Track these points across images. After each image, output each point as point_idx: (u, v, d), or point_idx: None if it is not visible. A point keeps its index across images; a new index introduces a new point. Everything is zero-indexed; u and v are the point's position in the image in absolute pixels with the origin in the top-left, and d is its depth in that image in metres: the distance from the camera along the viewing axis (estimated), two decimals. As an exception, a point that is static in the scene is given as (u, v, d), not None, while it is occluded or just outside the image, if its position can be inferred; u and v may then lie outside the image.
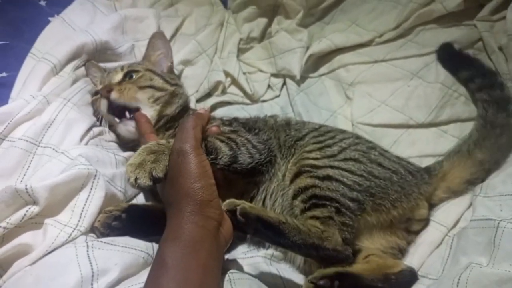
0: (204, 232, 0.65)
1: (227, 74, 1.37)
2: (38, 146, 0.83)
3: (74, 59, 1.04)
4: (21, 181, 0.78)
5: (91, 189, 0.78)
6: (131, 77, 1.03)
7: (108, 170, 0.85)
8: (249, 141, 0.88)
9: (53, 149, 0.84)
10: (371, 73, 1.31)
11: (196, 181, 0.67)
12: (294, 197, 0.85)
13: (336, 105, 1.29)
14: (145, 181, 0.69)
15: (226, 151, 0.81)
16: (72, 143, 0.87)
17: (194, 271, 0.61)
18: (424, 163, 1.04)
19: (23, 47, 1.03)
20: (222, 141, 0.83)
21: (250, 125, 1.00)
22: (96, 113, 1.01)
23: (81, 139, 0.90)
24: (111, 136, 1.01)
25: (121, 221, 0.80)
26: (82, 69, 1.07)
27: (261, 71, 1.42)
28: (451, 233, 0.90)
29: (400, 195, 0.85)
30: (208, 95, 1.37)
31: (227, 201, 0.73)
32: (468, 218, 0.88)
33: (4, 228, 0.68)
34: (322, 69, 1.39)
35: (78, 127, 0.91)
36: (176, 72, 1.24)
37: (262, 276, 0.80)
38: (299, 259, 0.88)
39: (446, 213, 0.93)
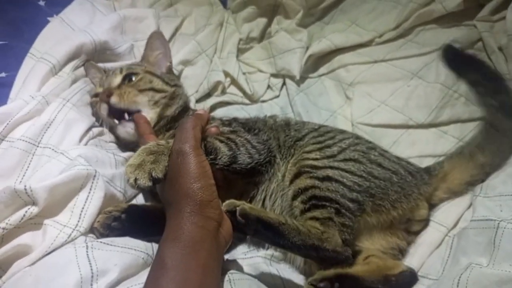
0: (203, 232, 0.65)
1: (226, 74, 1.37)
2: (37, 146, 0.83)
3: (73, 59, 1.04)
4: (20, 181, 0.77)
5: (90, 189, 0.78)
6: (130, 79, 1.02)
7: (107, 171, 0.85)
8: (248, 142, 0.88)
9: (53, 149, 0.83)
10: (371, 73, 1.31)
11: (196, 182, 0.66)
12: (294, 197, 0.85)
13: (336, 105, 1.29)
14: (144, 181, 0.69)
15: (226, 151, 0.80)
16: (72, 144, 0.87)
17: (194, 272, 0.60)
18: (424, 163, 1.03)
19: (23, 47, 1.03)
20: (221, 142, 0.82)
21: (250, 126, 1.00)
22: (95, 114, 1.01)
23: (81, 140, 0.90)
24: (110, 137, 1.00)
25: (120, 221, 0.79)
26: (82, 69, 1.07)
27: (260, 71, 1.42)
28: (451, 233, 0.90)
29: (400, 196, 0.85)
30: (207, 95, 1.37)
31: (227, 201, 0.73)
32: (468, 219, 0.88)
33: (4, 228, 0.68)
34: (322, 69, 1.39)
35: (77, 128, 0.90)
36: (175, 72, 1.24)
37: (262, 277, 0.80)
38: (299, 259, 0.88)
39: (446, 213, 0.93)
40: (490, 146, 0.97)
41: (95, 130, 0.97)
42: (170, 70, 1.14)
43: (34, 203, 0.71)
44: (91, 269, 0.64)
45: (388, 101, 1.22)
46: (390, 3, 1.41)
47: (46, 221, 0.72)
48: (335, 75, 1.36)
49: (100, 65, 1.10)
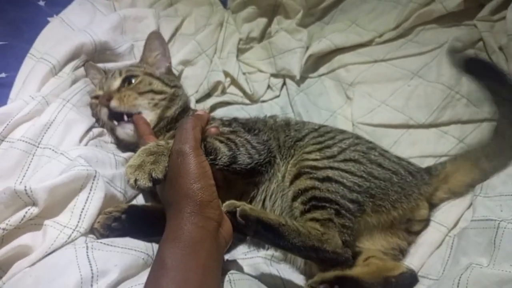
0: (203, 232, 0.65)
1: (226, 74, 1.37)
2: (38, 147, 0.83)
3: (73, 60, 1.04)
4: (21, 182, 0.77)
5: (90, 190, 0.77)
6: (129, 82, 1.02)
7: (107, 171, 0.85)
8: (248, 142, 0.88)
9: (53, 150, 0.83)
10: (371, 73, 1.31)
11: (196, 182, 0.66)
12: (294, 198, 0.85)
13: (336, 105, 1.29)
14: (144, 182, 0.69)
15: (226, 152, 0.80)
16: (72, 144, 0.87)
17: (194, 272, 0.60)
18: (425, 163, 1.03)
19: (23, 47, 1.03)
20: (221, 142, 0.82)
21: (250, 126, 1.00)
22: (95, 115, 1.01)
23: (81, 140, 0.90)
24: (111, 138, 1.00)
25: (120, 222, 0.79)
26: (81, 69, 1.07)
27: (260, 71, 1.42)
28: (451, 233, 0.90)
29: (400, 196, 0.85)
30: (207, 95, 1.37)
31: (227, 202, 0.73)
32: (468, 219, 0.88)
33: (4, 229, 0.68)
34: (322, 69, 1.39)
35: (77, 128, 0.90)
36: (175, 72, 1.24)
37: (262, 277, 0.80)
38: (300, 260, 0.88)
39: (447, 213, 0.93)
40: (496, 155, 0.96)
41: (95, 130, 0.97)
42: (169, 70, 1.14)
43: (34, 204, 0.71)
44: (91, 270, 0.64)
45: (389, 101, 1.22)
46: (390, 3, 1.41)
47: (46, 222, 0.72)
48: (335, 75, 1.36)
49: (100, 65, 1.10)
